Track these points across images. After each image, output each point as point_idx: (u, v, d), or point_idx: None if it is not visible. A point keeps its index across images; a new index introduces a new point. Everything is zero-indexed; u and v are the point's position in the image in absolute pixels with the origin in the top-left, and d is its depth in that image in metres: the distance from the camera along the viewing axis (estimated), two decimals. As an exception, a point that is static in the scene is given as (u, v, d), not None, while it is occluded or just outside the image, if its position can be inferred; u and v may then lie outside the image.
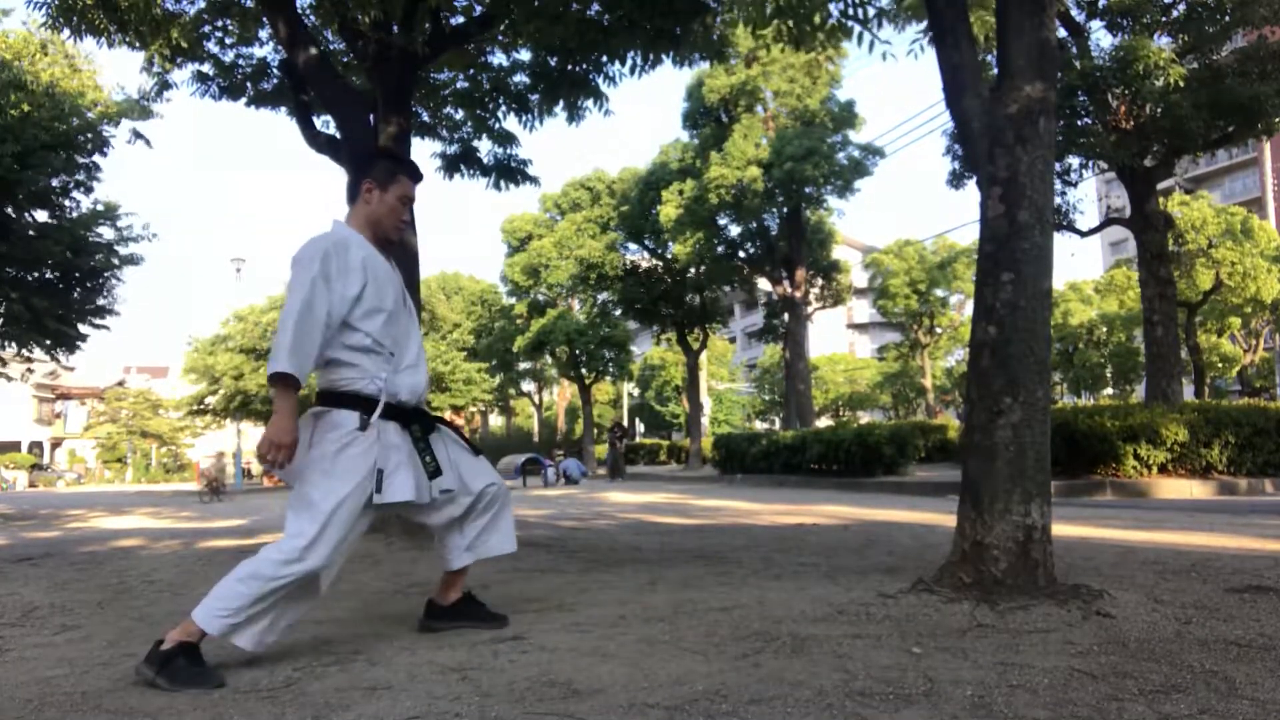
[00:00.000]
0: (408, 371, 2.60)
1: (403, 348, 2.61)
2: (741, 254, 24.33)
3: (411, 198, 2.74)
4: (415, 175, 2.79)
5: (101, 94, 12.75)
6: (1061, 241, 41.10)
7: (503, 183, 7.88)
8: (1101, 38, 13.68)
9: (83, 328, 13.94)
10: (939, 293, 38.59)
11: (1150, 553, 4.18)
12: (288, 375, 2.34)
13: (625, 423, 38.21)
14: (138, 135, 11.15)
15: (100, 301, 13.90)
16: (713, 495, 12.48)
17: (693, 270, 25.68)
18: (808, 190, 21.59)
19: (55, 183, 12.43)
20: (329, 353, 2.50)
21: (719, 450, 19.97)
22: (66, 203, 13.03)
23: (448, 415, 43.14)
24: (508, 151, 7.85)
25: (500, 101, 7.49)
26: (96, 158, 12.88)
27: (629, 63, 6.54)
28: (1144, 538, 4.97)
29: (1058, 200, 13.83)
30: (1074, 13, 13.25)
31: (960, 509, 3.11)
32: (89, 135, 12.49)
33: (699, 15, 6.01)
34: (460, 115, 7.78)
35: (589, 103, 7.07)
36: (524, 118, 7.44)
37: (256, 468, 35.87)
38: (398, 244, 5.96)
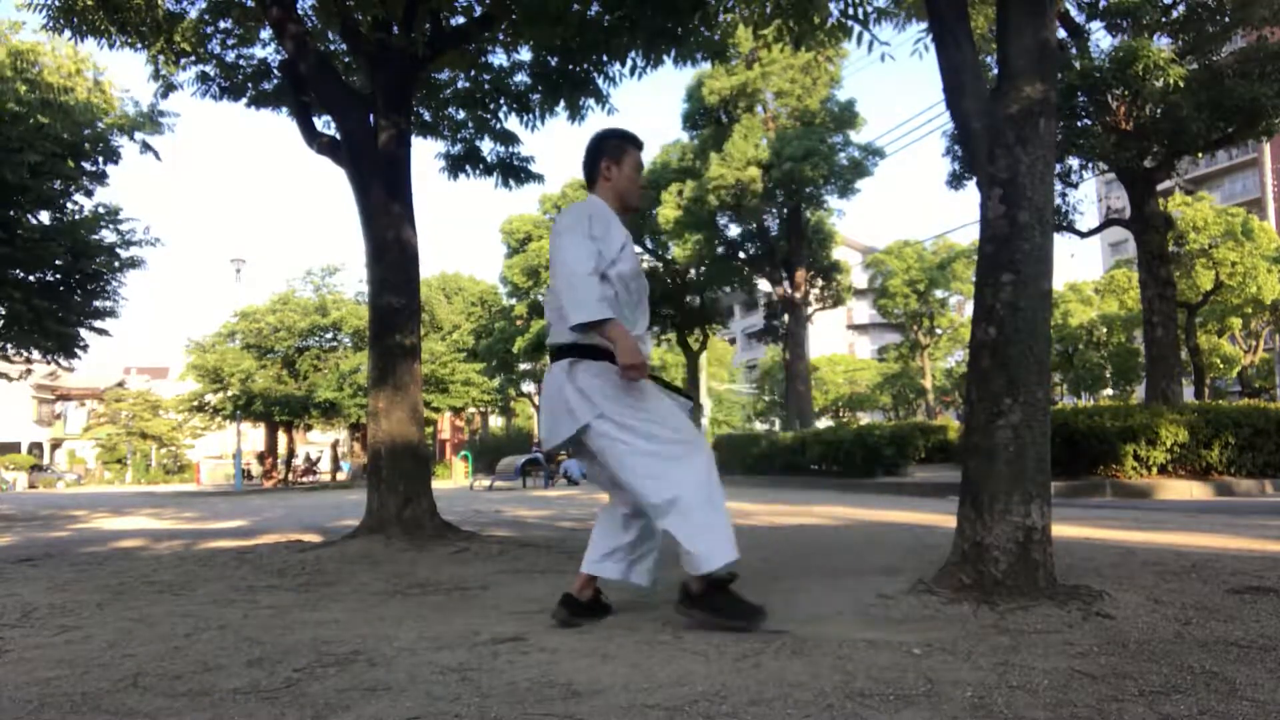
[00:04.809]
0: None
1: (633, 317, 2.84)
2: (741, 255, 24.34)
3: (642, 165, 3.04)
4: (639, 143, 3.06)
5: (114, 104, 12.77)
6: (1061, 242, 41.15)
7: (510, 182, 7.89)
8: (1101, 38, 13.71)
9: (83, 332, 13.94)
10: (939, 293, 38.64)
11: (1150, 553, 4.18)
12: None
13: None
14: (147, 147, 11.20)
15: (101, 304, 13.90)
16: (713, 496, 12.44)
17: (693, 271, 25.68)
18: (807, 190, 21.62)
19: (57, 185, 12.45)
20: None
21: (719, 451, 19.95)
22: (69, 205, 13.05)
23: (447, 417, 43.14)
24: (510, 150, 7.85)
25: (501, 101, 7.49)
26: (106, 167, 12.90)
27: (629, 63, 6.54)
28: (1144, 538, 4.96)
29: (1058, 201, 13.84)
30: (1074, 13, 13.27)
31: (960, 510, 3.11)
32: (100, 145, 12.51)
33: (699, 14, 6.01)
34: (462, 115, 7.77)
35: (591, 101, 7.07)
36: (525, 117, 7.44)
37: (256, 469, 35.88)
38: (397, 243, 5.99)
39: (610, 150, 2.97)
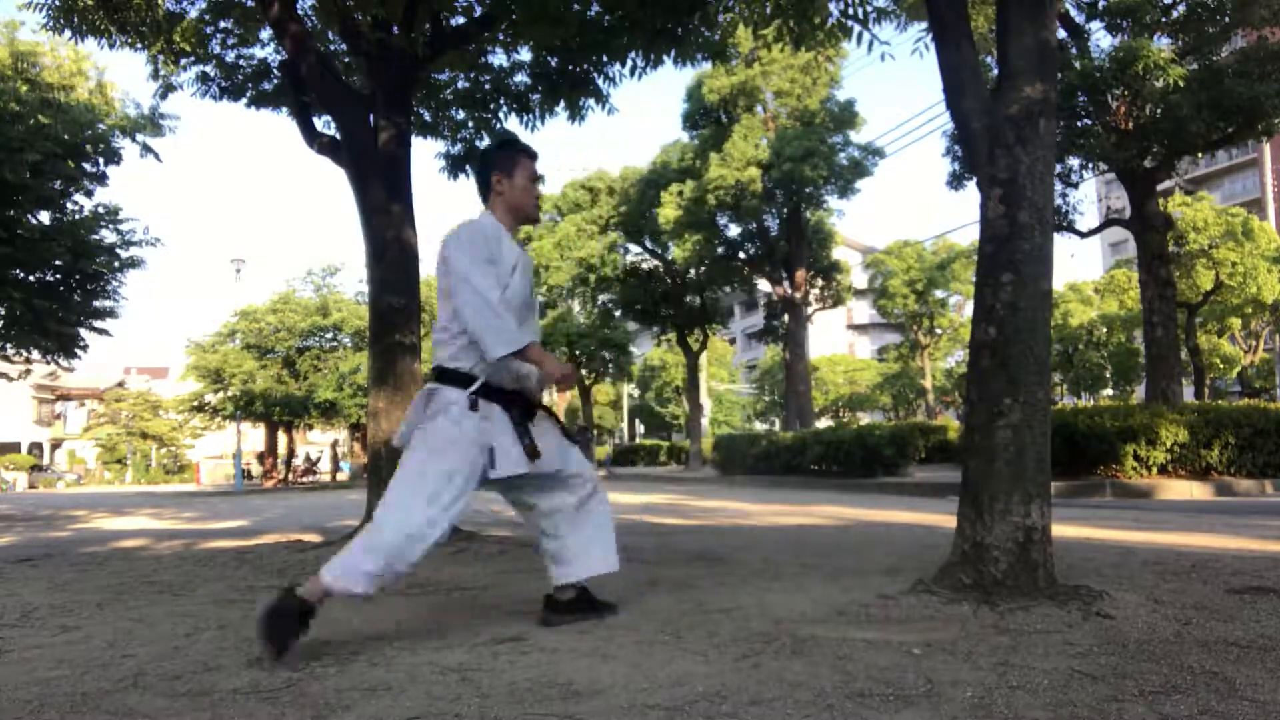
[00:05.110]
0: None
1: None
2: (741, 255, 24.32)
3: (538, 175, 2.92)
4: (531, 153, 2.94)
5: (115, 106, 12.77)
6: (1061, 242, 41.15)
7: None
8: (1101, 38, 13.71)
9: (83, 332, 13.94)
10: (939, 293, 38.62)
11: (1150, 553, 4.18)
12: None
13: (591, 425, 38.26)
14: (148, 150, 11.18)
15: (101, 304, 13.91)
16: (712, 496, 12.47)
17: (693, 271, 25.67)
18: (807, 190, 21.59)
19: (57, 185, 12.45)
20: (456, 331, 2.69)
21: (719, 451, 19.94)
22: (69, 205, 13.06)
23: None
24: (510, 150, 7.85)
25: (501, 101, 7.49)
26: (107, 168, 12.89)
27: (629, 63, 6.55)
28: (1144, 538, 4.96)
29: (1058, 201, 13.84)
30: (1074, 14, 13.27)
31: (960, 510, 3.11)
32: (100, 146, 12.52)
33: (699, 14, 6.01)
34: (461, 115, 7.78)
35: (591, 101, 7.08)
36: (525, 117, 7.44)
37: (256, 469, 35.86)
38: (397, 243, 5.99)
39: (500, 162, 2.85)
